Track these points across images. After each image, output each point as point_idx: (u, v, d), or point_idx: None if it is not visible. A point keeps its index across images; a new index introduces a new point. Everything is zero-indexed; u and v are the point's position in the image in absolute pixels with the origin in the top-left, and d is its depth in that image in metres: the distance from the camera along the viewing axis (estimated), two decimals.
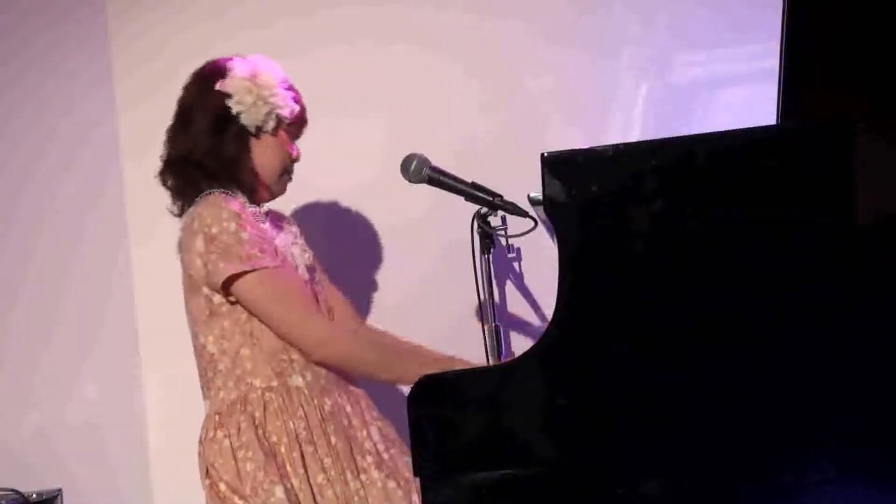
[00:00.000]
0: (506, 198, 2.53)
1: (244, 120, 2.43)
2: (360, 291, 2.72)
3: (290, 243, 2.51)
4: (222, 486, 2.33)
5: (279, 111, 2.45)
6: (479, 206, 2.59)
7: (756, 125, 2.02)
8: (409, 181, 2.57)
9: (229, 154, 2.43)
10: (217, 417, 2.39)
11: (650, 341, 1.94)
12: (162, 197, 2.57)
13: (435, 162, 2.56)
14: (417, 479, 2.01)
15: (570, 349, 1.95)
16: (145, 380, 3.29)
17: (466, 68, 3.14)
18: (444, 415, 1.97)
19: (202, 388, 2.47)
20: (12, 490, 2.84)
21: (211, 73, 2.47)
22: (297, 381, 2.38)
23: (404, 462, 2.41)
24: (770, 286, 1.93)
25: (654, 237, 1.95)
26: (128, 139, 3.31)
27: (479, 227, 2.65)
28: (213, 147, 2.43)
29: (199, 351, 2.44)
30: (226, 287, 2.35)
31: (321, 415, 2.36)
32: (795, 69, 2.00)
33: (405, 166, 2.56)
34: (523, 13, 3.13)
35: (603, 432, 1.95)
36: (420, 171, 2.55)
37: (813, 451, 1.93)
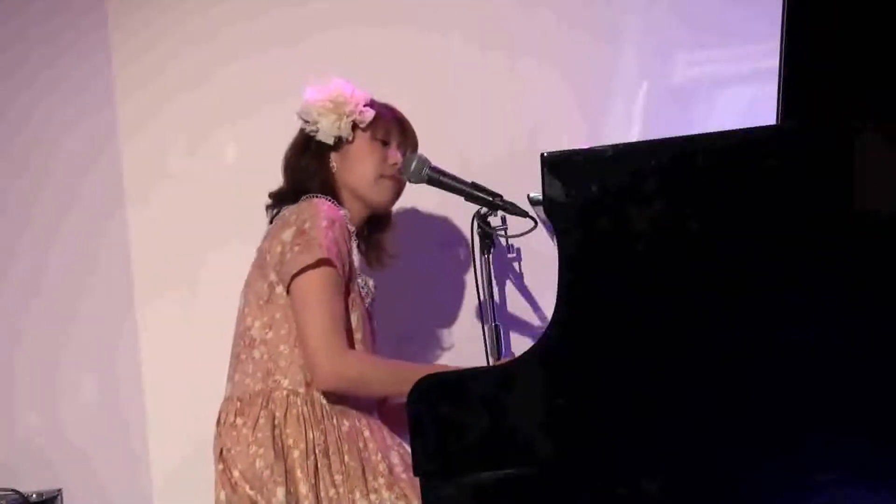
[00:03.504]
0: (506, 198, 2.53)
1: (320, 136, 2.55)
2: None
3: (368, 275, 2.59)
4: (236, 473, 2.34)
5: (351, 117, 2.54)
6: (479, 206, 2.59)
7: (756, 125, 2.02)
8: (409, 181, 2.58)
9: (311, 169, 2.55)
10: (238, 404, 2.41)
11: (650, 341, 1.94)
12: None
13: (435, 162, 2.56)
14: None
15: (570, 349, 1.95)
16: (145, 380, 3.29)
17: (466, 68, 3.14)
18: (444, 414, 1.97)
19: (229, 369, 2.49)
20: (12, 490, 2.85)
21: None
22: (322, 398, 2.39)
23: None
24: (770, 286, 1.94)
25: (654, 237, 1.95)
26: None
27: (479, 227, 2.65)
28: (299, 168, 2.57)
29: (241, 332, 2.47)
30: (294, 278, 2.38)
31: (338, 433, 2.37)
32: (795, 69, 2.00)
33: (405, 166, 2.56)
34: (523, 13, 3.13)
35: (602, 432, 1.95)
36: (420, 171, 2.55)
37: (814, 452, 1.93)
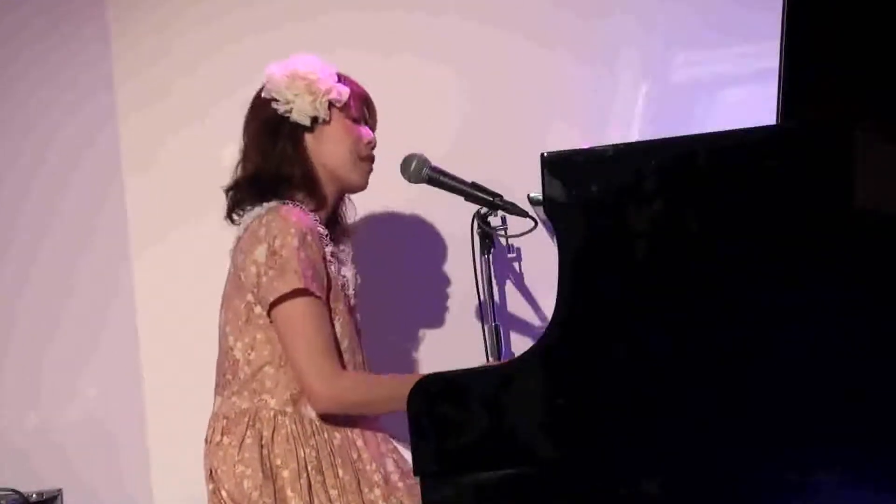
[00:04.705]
0: (506, 198, 2.53)
1: (295, 116, 2.42)
2: (360, 292, 2.72)
3: (347, 264, 2.49)
4: (224, 494, 2.31)
5: (327, 96, 2.43)
6: (479, 206, 2.59)
7: (756, 125, 2.02)
8: (409, 181, 2.57)
9: (287, 153, 2.42)
10: (225, 422, 2.37)
11: (650, 341, 1.95)
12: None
13: (435, 162, 2.56)
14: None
15: (570, 349, 1.95)
16: (145, 380, 3.28)
17: (466, 68, 3.14)
18: (444, 414, 1.97)
19: (216, 384, 2.45)
20: (12, 490, 2.85)
21: (257, 92, 2.49)
22: (311, 412, 2.34)
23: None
24: (770, 286, 1.94)
25: (654, 237, 1.95)
26: (129, 155, 3.31)
27: (479, 227, 2.65)
28: (275, 152, 2.43)
29: (225, 351, 2.41)
30: (273, 305, 2.31)
31: (330, 447, 2.33)
32: (795, 70, 2.00)
33: (405, 166, 2.56)
34: (523, 14, 3.13)
35: (603, 432, 1.95)
36: (420, 171, 2.54)
37: (814, 452, 1.93)
